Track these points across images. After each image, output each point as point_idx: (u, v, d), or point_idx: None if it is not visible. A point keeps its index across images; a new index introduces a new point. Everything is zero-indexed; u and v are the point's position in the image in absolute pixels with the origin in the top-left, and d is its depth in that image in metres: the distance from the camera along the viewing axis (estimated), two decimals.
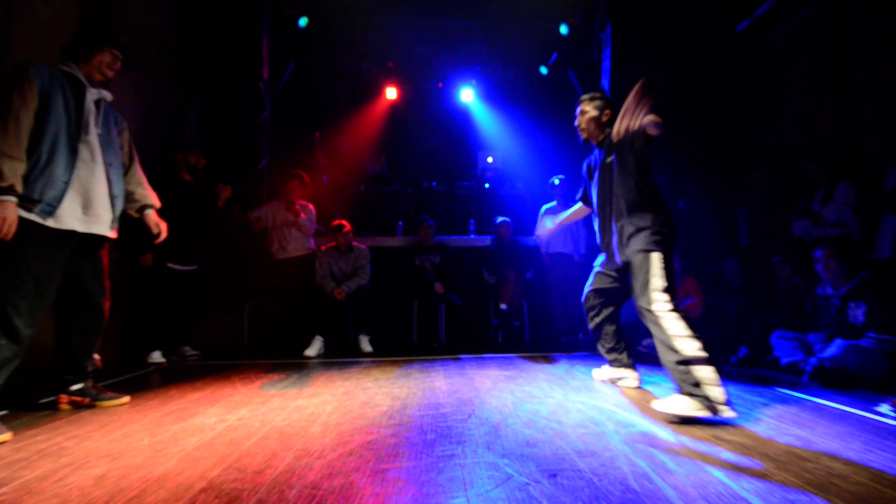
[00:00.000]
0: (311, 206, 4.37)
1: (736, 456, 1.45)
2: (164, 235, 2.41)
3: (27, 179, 1.83)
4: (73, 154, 1.94)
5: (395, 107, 7.06)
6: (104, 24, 3.27)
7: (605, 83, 5.79)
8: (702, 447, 1.53)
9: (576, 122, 2.46)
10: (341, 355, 3.69)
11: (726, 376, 2.77)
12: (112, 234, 2.17)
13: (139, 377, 2.89)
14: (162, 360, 3.35)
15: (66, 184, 1.92)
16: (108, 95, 2.12)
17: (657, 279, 1.98)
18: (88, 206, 2.01)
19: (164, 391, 2.47)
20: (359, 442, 1.61)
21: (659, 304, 1.96)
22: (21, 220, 1.82)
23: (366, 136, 6.87)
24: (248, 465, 1.42)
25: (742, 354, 3.22)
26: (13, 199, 1.78)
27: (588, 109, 2.39)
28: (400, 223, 5.30)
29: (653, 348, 3.88)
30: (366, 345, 3.89)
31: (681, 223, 4.62)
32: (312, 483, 1.28)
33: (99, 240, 2.12)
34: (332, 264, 4.11)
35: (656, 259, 2.00)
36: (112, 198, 2.12)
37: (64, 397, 2.12)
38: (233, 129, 5.20)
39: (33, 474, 1.36)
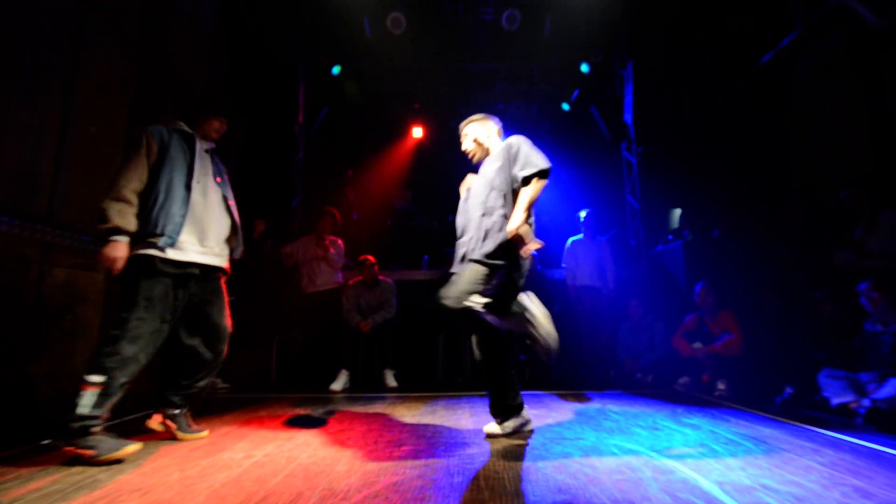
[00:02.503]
0: (339, 241, 4.49)
1: None
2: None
3: (149, 216, 2.03)
4: (188, 192, 2.14)
5: (420, 145, 7.29)
6: (160, 77, 3.57)
7: (628, 117, 5.84)
8: (748, 499, 1.43)
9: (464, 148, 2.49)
10: (366, 390, 3.67)
11: (771, 417, 2.60)
12: (226, 266, 2.33)
13: None
14: None
15: (183, 217, 2.11)
16: (212, 145, 2.37)
17: None
18: (204, 239, 2.20)
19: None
20: (384, 483, 1.58)
21: None
22: (144, 257, 2.01)
23: (393, 173, 7.09)
24: (274, 503, 1.41)
25: (787, 394, 3.03)
26: (124, 238, 1.97)
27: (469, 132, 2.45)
28: (426, 257, 5.35)
29: (689, 387, 3.71)
30: (391, 380, 3.87)
31: (715, 254, 4.52)
32: None
33: (216, 270, 2.29)
34: (358, 298, 4.16)
35: None
36: (231, 233, 2.33)
37: (159, 416, 2.22)
38: (269, 170, 5.47)
39: None
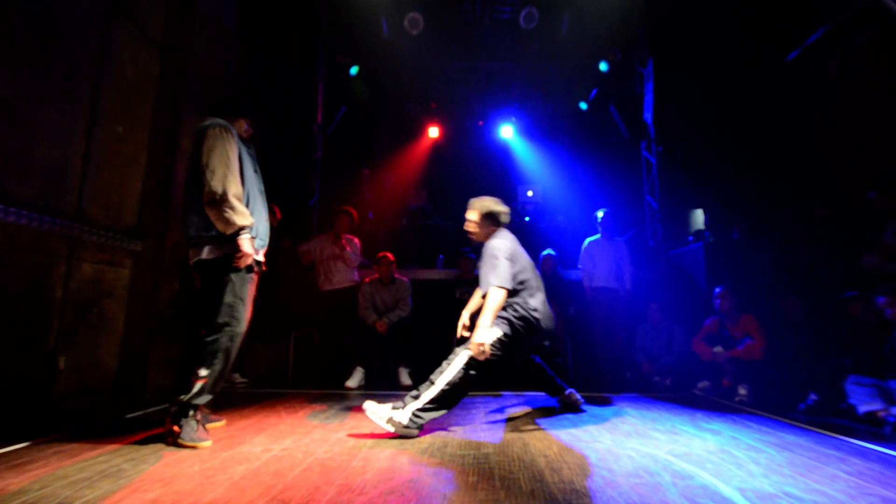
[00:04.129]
0: (356, 240, 4.52)
1: None
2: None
3: None
4: (263, 197, 2.32)
5: (437, 144, 7.30)
6: (183, 77, 3.65)
7: (648, 116, 5.75)
8: None
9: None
10: (381, 387, 3.69)
11: (795, 424, 2.53)
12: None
13: None
14: None
15: (267, 223, 2.29)
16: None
17: None
18: (262, 239, 2.32)
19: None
20: (399, 480, 1.59)
21: None
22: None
23: (409, 173, 7.11)
24: (291, 497, 1.43)
25: (811, 401, 2.95)
26: (251, 235, 2.13)
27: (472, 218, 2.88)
28: (441, 256, 5.36)
29: (709, 391, 3.63)
30: (405, 377, 3.88)
31: (736, 256, 4.42)
32: None
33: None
34: (374, 296, 4.19)
35: None
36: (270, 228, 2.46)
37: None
38: (287, 169, 5.55)
39: (94, 494, 1.43)
